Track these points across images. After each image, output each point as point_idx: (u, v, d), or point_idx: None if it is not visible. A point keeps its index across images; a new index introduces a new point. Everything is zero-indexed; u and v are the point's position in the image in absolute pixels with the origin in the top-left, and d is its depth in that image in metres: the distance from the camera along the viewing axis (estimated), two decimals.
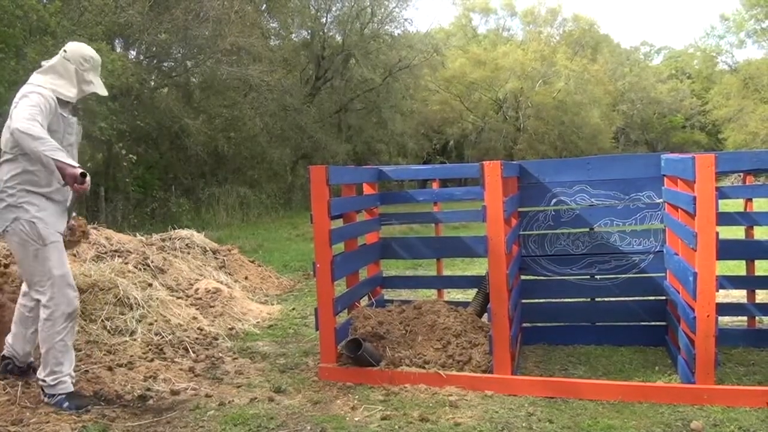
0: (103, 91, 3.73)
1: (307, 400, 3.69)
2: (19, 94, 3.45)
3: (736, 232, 4.72)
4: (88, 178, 3.27)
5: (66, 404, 3.42)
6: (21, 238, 3.37)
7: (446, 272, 5.63)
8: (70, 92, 3.54)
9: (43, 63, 3.65)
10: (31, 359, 3.72)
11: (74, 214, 3.89)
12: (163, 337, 4.68)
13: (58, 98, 3.47)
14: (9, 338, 3.68)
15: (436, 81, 31.15)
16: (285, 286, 7.54)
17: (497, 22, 42.43)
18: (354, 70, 25.30)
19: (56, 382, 3.43)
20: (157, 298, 5.07)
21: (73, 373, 3.52)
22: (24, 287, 3.60)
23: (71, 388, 3.48)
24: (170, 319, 4.93)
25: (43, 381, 3.44)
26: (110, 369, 4.01)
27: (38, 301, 3.46)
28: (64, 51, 3.63)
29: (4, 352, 3.68)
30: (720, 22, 37.97)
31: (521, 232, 4.73)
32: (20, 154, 3.36)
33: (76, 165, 3.26)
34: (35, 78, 3.54)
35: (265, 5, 20.71)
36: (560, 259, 4.69)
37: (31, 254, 3.38)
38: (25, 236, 3.36)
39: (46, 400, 3.45)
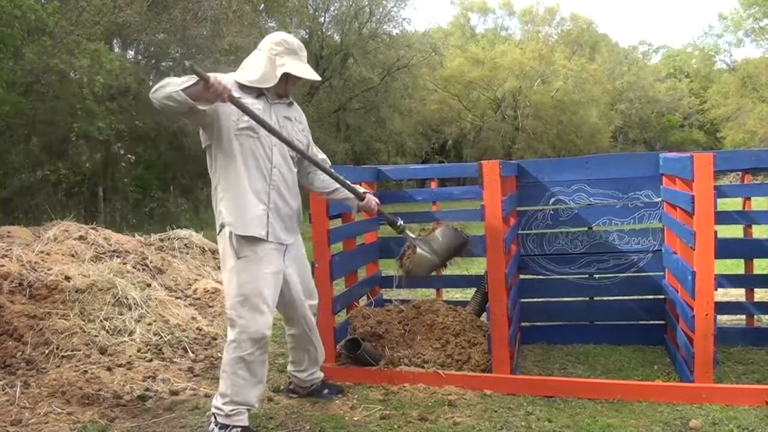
0: (307, 74, 3.23)
1: (306, 399, 3.69)
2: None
3: (735, 231, 4.73)
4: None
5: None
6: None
7: (445, 271, 5.62)
8: (252, 76, 3.14)
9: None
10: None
11: None
12: (162, 337, 4.67)
13: (238, 83, 3.12)
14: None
15: (435, 80, 31.15)
16: None
17: (495, 21, 42.51)
18: (352, 70, 25.29)
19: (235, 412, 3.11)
20: (156, 299, 5.07)
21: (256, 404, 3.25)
22: None
23: (246, 423, 3.14)
24: (169, 319, 4.92)
25: (216, 410, 3.12)
26: (109, 369, 4.01)
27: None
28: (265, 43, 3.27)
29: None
30: (718, 21, 38.11)
31: (520, 232, 4.73)
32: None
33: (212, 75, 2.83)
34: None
35: (263, 5, 20.68)
36: (559, 259, 4.70)
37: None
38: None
39: (212, 428, 3.11)
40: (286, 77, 3.18)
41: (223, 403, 3.09)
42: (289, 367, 3.71)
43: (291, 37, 3.30)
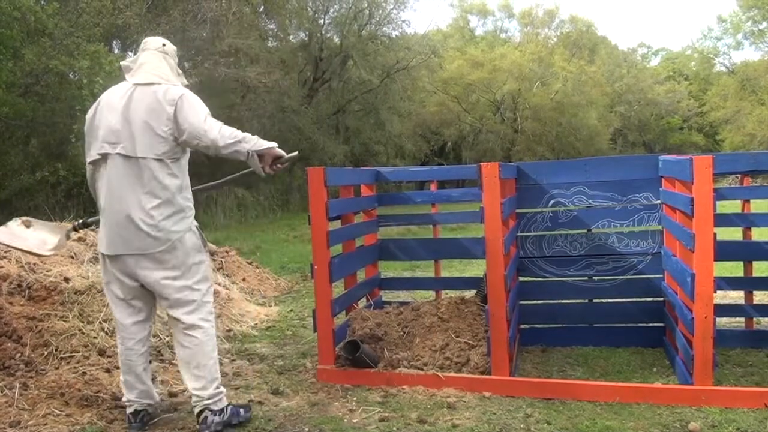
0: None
1: (305, 401, 3.69)
2: (171, 95, 3.16)
3: (734, 234, 4.73)
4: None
5: (242, 411, 3.33)
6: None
7: (444, 274, 5.63)
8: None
9: (146, 59, 3.30)
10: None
11: None
12: (160, 339, 4.67)
13: None
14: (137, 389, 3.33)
15: (434, 82, 31.12)
16: (283, 288, 7.53)
17: (495, 23, 42.51)
18: (352, 72, 25.27)
19: (220, 394, 3.25)
20: None
21: None
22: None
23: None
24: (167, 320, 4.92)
25: (211, 404, 3.19)
26: (108, 371, 4.00)
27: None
28: (164, 45, 3.37)
29: (137, 406, 3.32)
30: (717, 23, 38.14)
31: (519, 234, 4.73)
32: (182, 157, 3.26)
33: (272, 144, 3.29)
34: (162, 72, 3.27)
35: (262, 7, 20.69)
36: (558, 261, 4.70)
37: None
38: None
39: (216, 420, 3.17)
40: None
41: (218, 389, 3.23)
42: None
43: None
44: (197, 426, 3.22)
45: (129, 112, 3.11)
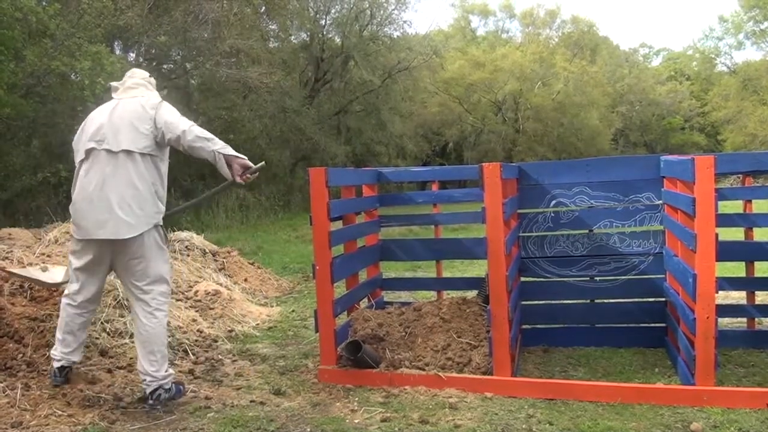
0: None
1: (306, 402, 3.69)
2: (152, 102, 3.63)
3: (736, 234, 4.72)
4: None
5: (181, 387, 3.73)
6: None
7: (446, 274, 5.63)
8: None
9: (132, 84, 3.75)
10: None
11: None
12: None
13: None
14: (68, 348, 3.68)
15: (435, 83, 31.09)
16: (284, 288, 7.53)
17: (496, 24, 42.48)
18: (353, 72, 25.26)
19: (170, 376, 3.62)
20: None
21: None
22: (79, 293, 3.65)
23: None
24: (170, 321, 4.91)
25: (166, 383, 3.57)
26: (110, 371, 4.01)
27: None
28: (149, 76, 3.84)
29: (63, 363, 3.66)
30: (718, 23, 37.96)
31: (521, 234, 4.73)
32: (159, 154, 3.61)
33: (241, 155, 3.67)
34: (145, 91, 3.73)
35: (264, 7, 20.67)
36: (560, 261, 4.69)
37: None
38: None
39: (166, 396, 3.56)
40: None
41: (168, 371, 3.61)
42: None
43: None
44: (150, 402, 3.53)
45: (114, 117, 3.56)
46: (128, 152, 3.47)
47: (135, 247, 3.48)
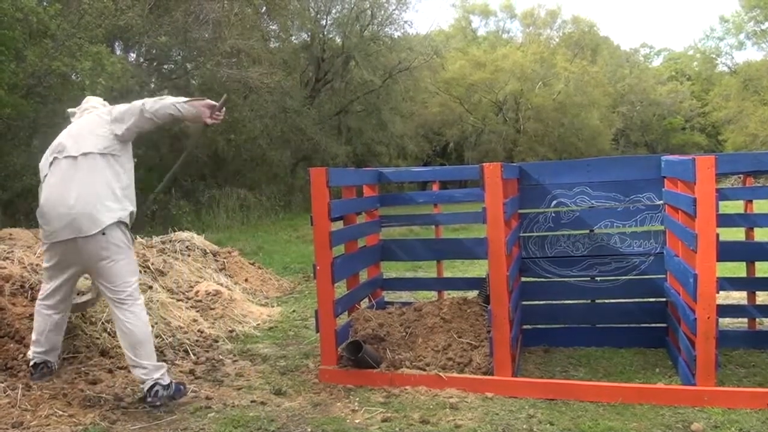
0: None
1: (307, 402, 3.69)
2: (107, 110, 3.86)
3: (737, 234, 4.72)
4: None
5: (182, 387, 3.71)
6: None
7: (446, 274, 5.63)
8: None
9: (88, 107, 3.96)
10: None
11: None
12: (163, 339, 4.68)
13: None
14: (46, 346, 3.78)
15: (436, 83, 31.08)
16: (285, 288, 7.53)
17: (497, 24, 42.48)
18: (354, 72, 25.26)
19: (162, 368, 3.62)
20: (158, 301, 5.08)
21: None
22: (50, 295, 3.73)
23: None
24: (170, 321, 4.93)
25: (161, 379, 3.57)
26: (110, 372, 4.01)
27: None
28: (104, 101, 4.04)
29: (36, 360, 3.77)
30: (719, 23, 37.94)
31: (521, 234, 4.73)
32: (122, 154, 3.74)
33: (200, 97, 3.84)
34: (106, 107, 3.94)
35: (264, 8, 20.67)
36: (560, 261, 4.69)
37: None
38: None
39: (165, 393, 3.55)
40: None
41: (160, 364, 3.63)
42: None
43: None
44: (148, 399, 3.54)
45: (73, 131, 3.74)
46: (88, 154, 3.60)
47: (100, 247, 3.52)
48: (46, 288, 3.74)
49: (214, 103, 3.81)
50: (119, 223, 3.59)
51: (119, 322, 3.59)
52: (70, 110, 3.94)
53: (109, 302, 3.67)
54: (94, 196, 3.52)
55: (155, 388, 3.53)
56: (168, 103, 3.73)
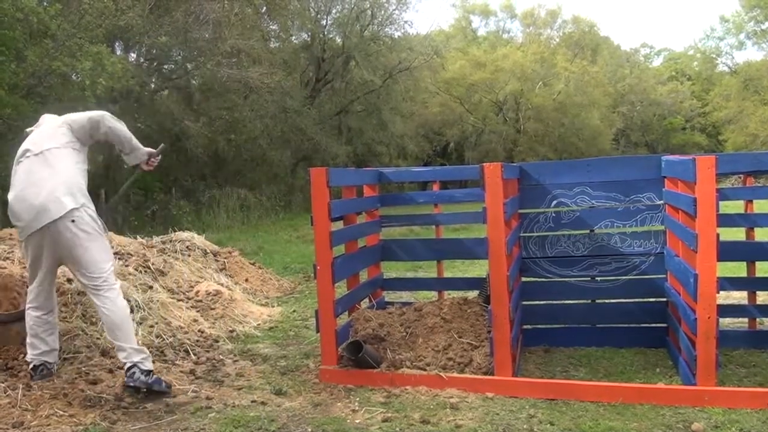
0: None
1: (307, 402, 3.69)
2: (63, 118, 4.01)
3: (737, 234, 4.72)
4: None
5: (164, 384, 3.72)
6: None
7: (447, 274, 5.62)
8: None
9: (47, 120, 4.09)
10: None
11: None
12: (163, 339, 4.68)
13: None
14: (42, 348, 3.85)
15: (436, 83, 31.08)
16: (285, 288, 7.53)
17: (497, 24, 42.51)
18: (354, 72, 25.27)
19: (142, 352, 3.70)
20: (158, 301, 5.08)
21: None
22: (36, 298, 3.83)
23: None
24: (171, 321, 4.93)
25: (141, 363, 3.64)
26: (111, 372, 4.01)
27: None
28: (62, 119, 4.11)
29: (35, 362, 3.82)
30: (720, 23, 37.94)
31: (522, 234, 4.73)
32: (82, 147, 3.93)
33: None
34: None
35: (265, 8, 20.69)
36: (561, 261, 4.69)
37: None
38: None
39: (142, 378, 3.61)
40: None
41: (141, 348, 3.72)
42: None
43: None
44: (127, 382, 3.63)
45: (35, 137, 3.88)
46: (51, 149, 3.77)
47: (71, 234, 3.62)
48: (30, 290, 3.84)
49: (153, 151, 4.16)
50: (85, 207, 3.71)
51: (98, 309, 3.72)
52: (27, 129, 4.09)
53: (87, 291, 3.79)
54: (60, 183, 3.66)
55: (132, 369, 3.62)
56: (127, 132, 4.00)
